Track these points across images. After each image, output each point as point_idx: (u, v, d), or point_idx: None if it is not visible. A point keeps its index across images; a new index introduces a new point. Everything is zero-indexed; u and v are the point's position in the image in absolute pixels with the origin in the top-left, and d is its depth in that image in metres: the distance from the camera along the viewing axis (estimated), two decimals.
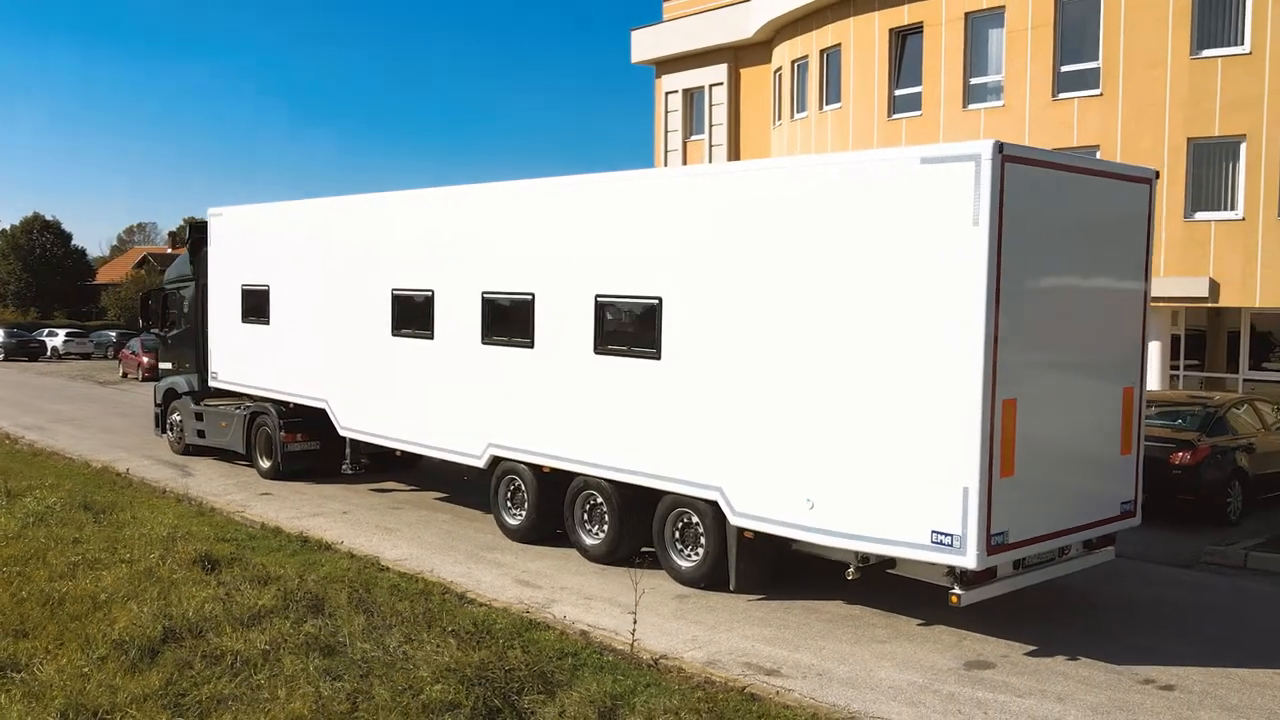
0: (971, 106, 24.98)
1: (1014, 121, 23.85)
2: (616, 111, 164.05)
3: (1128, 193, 10.43)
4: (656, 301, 11.28)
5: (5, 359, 49.08)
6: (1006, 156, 8.78)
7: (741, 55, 33.73)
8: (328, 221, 16.28)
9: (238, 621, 9.33)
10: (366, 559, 12.22)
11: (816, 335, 9.87)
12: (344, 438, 16.16)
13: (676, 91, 35.64)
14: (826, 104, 28.68)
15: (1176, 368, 23.33)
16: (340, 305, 15.80)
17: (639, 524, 11.93)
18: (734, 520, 10.66)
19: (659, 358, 11.30)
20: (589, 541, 12.43)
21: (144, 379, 37.13)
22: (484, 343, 13.36)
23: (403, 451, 15.40)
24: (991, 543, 8.98)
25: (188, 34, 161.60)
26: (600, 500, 12.24)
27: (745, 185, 10.63)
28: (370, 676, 8.09)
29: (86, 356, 51.93)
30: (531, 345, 12.74)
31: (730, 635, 9.85)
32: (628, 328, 11.69)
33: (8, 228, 76.57)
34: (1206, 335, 23.82)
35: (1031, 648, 9.53)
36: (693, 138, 35.45)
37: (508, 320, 13.08)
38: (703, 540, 11.21)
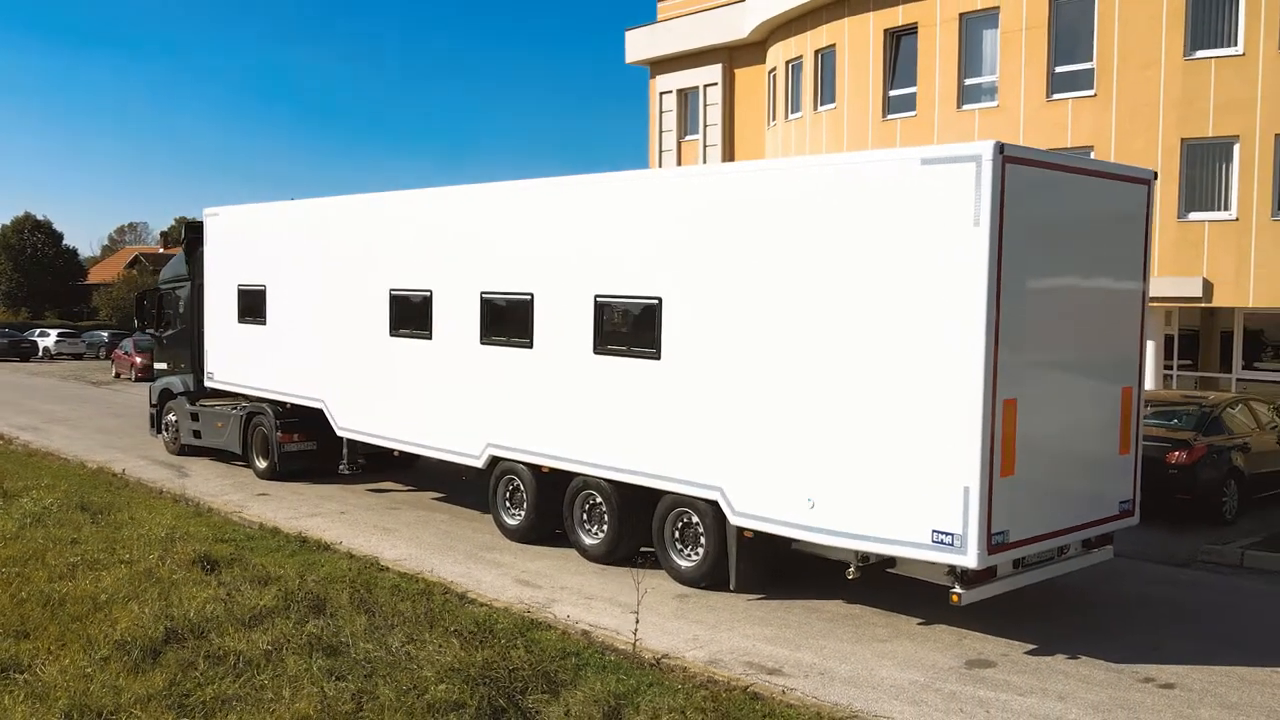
0: (966, 107, 25.04)
1: (1008, 122, 23.92)
2: (611, 112, 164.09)
3: (1126, 193, 10.48)
4: (656, 302, 11.30)
5: None
6: (1007, 157, 8.82)
7: (736, 55, 33.76)
8: (325, 221, 16.27)
9: (239, 622, 9.33)
10: (366, 559, 12.22)
11: (817, 335, 9.90)
12: (341, 438, 16.15)
13: (671, 92, 35.66)
14: (821, 104, 28.73)
15: (1170, 368, 23.43)
16: (338, 305, 15.79)
17: (638, 524, 11.94)
18: (734, 520, 10.69)
19: (659, 358, 11.31)
20: (588, 541, 12.44)
21: (137, 379, 37.05)
22: (483, 343, 13.37)
23: (400, 452, 15.41)
24: (992, 542, 9.02)
25: (182, 34, 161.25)
26: (599, 500, 12.25)
27: (745, 185, 10.66)
28: (374, 676, 8.10)
29: (79, 357, 51.80)
30: (531, 345, 12.75)
31: (731, 635, 9.88)
32: (627, 328, 11.71)
33: None
34: (1200, 335, 23.91)
35: (1031, 646, 9.57)
36: (687, 138, 35.47)
37: (507, 320, 13.09)
38: (703, 540, 11.23)
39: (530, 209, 12.88)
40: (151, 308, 20.62)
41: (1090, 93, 22.95)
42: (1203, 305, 22.19)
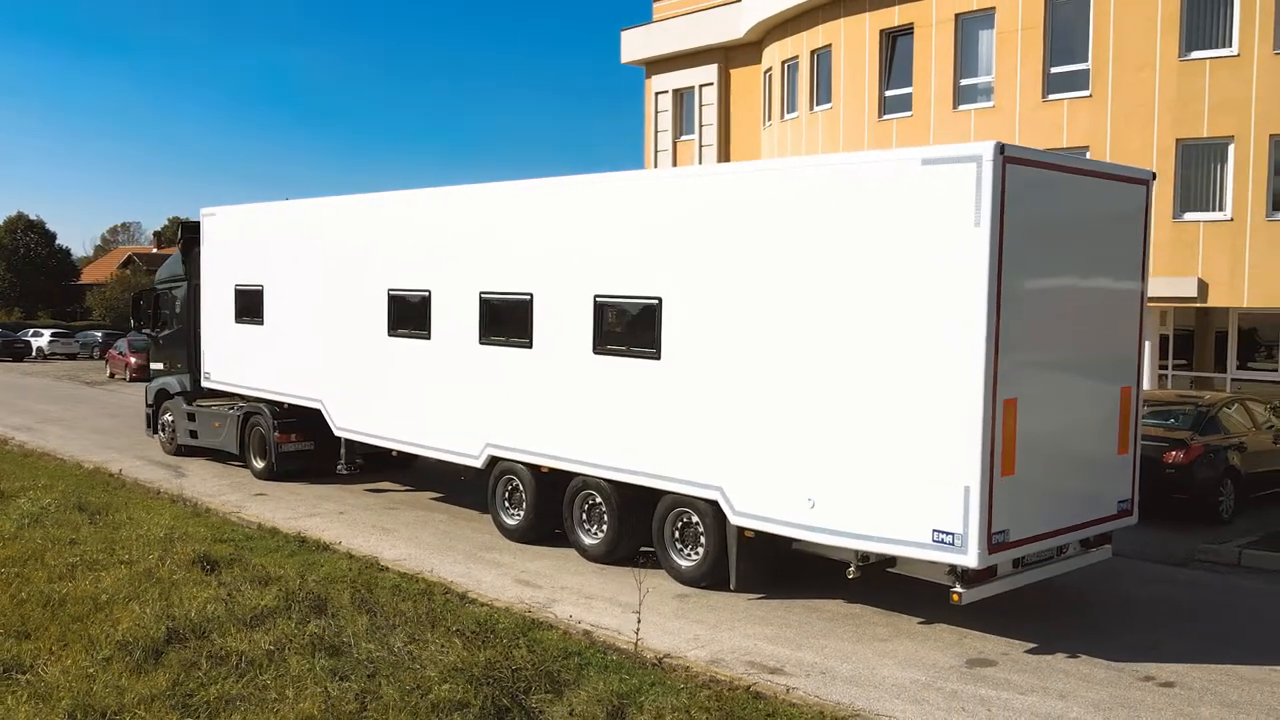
0: (962, 107, 25.10)
1: (1004, 122, 23.98)
2: (607, 112, 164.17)
3: (1125, 193, 10.52)
4: (656, 302, 11.31)
5: None
6: (1008, 158, 8.85)
7: (732, 55, 33.81)
8: (324, 221, 16.26)
9: (241, 622, 9.33)
10: (366, 559, 12.22)
11: (817, 335, 9.92)
12: (339, 438, 16.14)
13: (666, 92, 35.70)
14: (817, 104, 28.77)
15: (1165, 367, 23.52)
16: (336, 305, 15.78)
17: (638, 524, 11.96)
18: (734, 520, 10.70)
19: (659, 358, 11.33)
20: (588, 541, 12.45)
21: (131, 379, 36.98)
22: (482, 343, 13.37)
23: (398, 452, 15.41)
24: (993, 541, 9.05)
25: (177, 34, 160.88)
26: (599, 500, 12.26)
27: (746, 186, 10.68)
28: (377, 676, 8.10)
29: (72, 357, 51.66)
30: (530, 345, 12.76)
31: (732, 634, 9.90)
32: (627, 328, 11.72)
33: None
34: (1195, 335, 24.00)
35: (1031, 645, 9.60)
36: (683, 138, 35.51)
37: (506, 320, 13.10)
38: (703, 540, 11.25)
39: (530, 209, 12.89)
40: (148, 308, 20.58)
41: (1086, 93, 23.02)
42: (1198, 305, 22.27)
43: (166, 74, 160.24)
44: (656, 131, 36.16)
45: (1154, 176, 10.90)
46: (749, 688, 8.37)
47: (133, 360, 37.29)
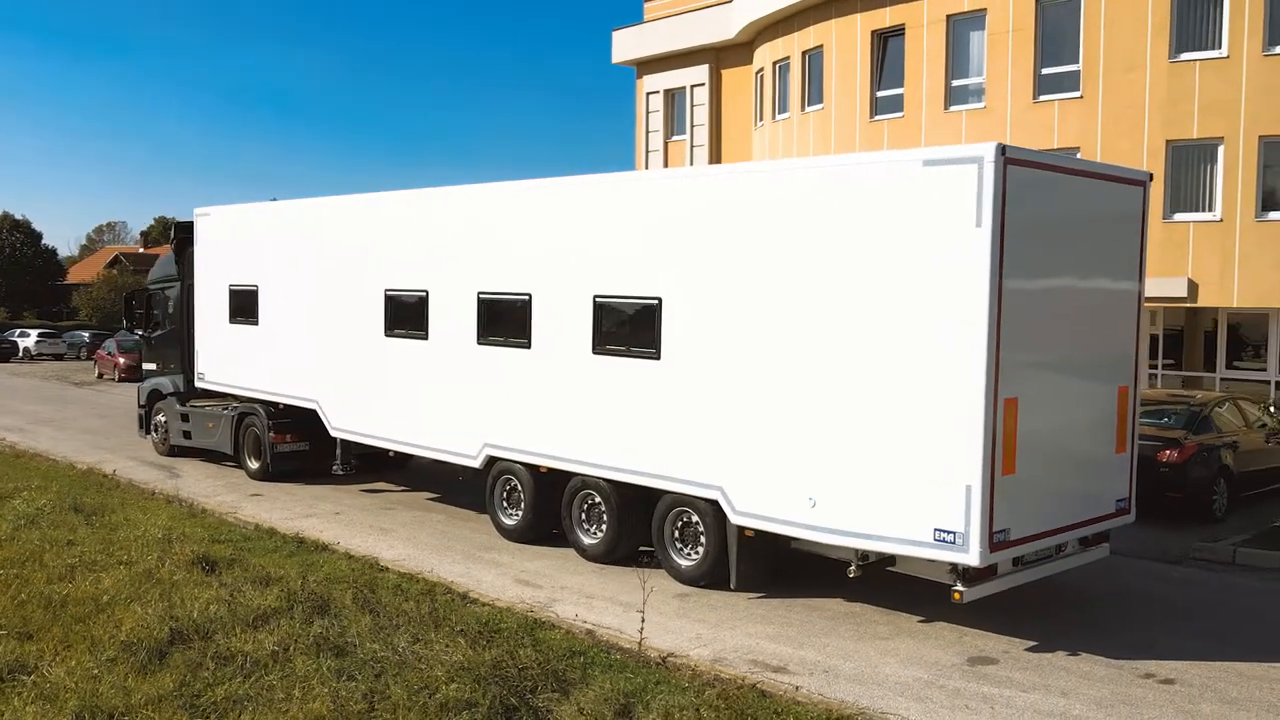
0: (953, 108, 25.20)
1: (995, 123, 24.09)
2: (599, 113, 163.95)
3: (1122, 194, 10.60)
4: (656, 302, 11.34)
5: None
6: (1009, 159, 8.91)
7: (723, 56, 33.84)
8: (320, 221, 16.23)
9: (244, 622, 9.32)
10: (365, 560, 12.22)
11: (818, 335, 9.97)
12: (334, 438, 16.11)
13: (658, 92, 35.71)
14: (808, 105, 28.84)
15: (1155, 367, 23.66)
16: (332, 306, 15.76)
17: (637, 523, 11.98)
18: (735, 519, 10.74)
19: (658, 358, 11.36)
20: (587, 541, 12.47)
21: (120, 380, 36.84)
22: (480, 343, 13.38)
23: (395, 452, 15.40)
24: (994, 540, 9.11)
25: (172, 35, 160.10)
26: (598, 500, 12.28)
27: (747, 186, 10.72)
28: (384, 676, 8.11)
29: (59, 357, 51.43)
30: (528, 345, 12.77)
31: (734, 633, 9.93)
32: (627, 328, 11.74)
33: None
34: (1184, 335, 24.15)
35: (1032, 643, 9.67)
36: (674, 138, 35.53)
37: (504, 321, 13.10)
38: (703, 539, 11.28)
39: (528, 209, 12.90)
40: (140, 308, 20.51)
41: (1076, 95, 23.14)
42: (1187, 305, 22.42)
43: (163, 75, 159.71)
44: (648, 132, 36.17)
45: (1151, 177, 10.99)
46: (754, 686, 8.40)
47: (121, 360, 37.16)
